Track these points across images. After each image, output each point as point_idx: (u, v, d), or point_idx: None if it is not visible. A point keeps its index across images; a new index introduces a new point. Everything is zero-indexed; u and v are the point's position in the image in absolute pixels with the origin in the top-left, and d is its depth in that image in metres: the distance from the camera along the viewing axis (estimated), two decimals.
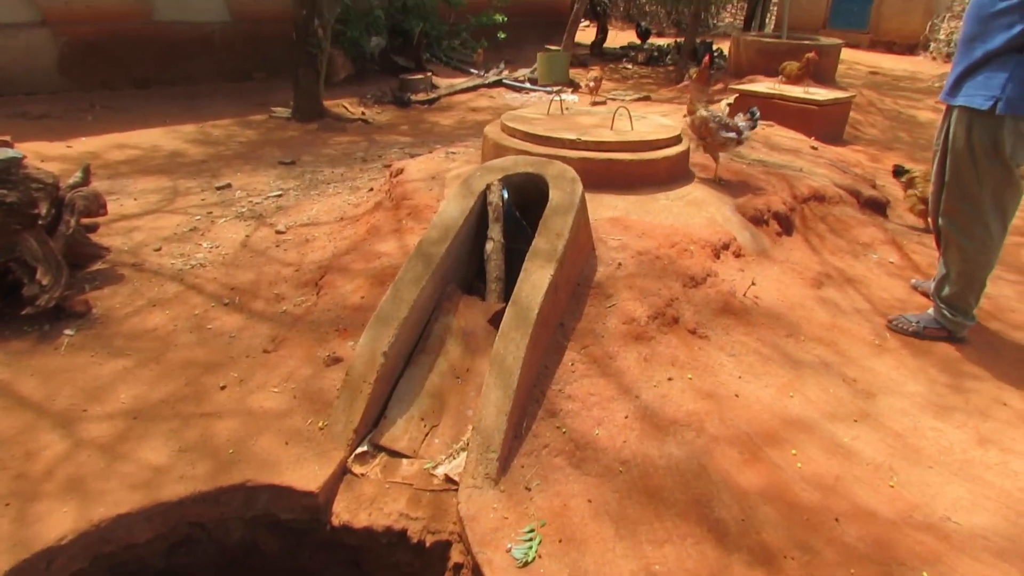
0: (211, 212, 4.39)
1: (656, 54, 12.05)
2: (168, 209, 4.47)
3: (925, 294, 3.43)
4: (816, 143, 5.86)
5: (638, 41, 13.06)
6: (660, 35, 15.73)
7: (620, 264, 3.01)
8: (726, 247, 3.39)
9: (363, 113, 7.81)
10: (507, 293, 2.74)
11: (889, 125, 7.58)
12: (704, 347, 2.76)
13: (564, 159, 3.52)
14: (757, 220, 3.76)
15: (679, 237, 3.27)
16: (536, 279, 2.55)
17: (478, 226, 3.01)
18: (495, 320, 2.65)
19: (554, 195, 2.92)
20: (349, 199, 4.42)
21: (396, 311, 2.53)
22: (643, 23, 12.78)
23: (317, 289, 3.29)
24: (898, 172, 4.46)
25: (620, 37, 15.36)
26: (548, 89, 9.15)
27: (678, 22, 13.91)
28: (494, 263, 2.86)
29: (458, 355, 2.65)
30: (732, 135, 3.79)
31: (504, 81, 9.36)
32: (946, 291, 2.97)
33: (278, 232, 4.00)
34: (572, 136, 3.64)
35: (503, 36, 10.22)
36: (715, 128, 3.77)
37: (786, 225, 3.84)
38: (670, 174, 3.76)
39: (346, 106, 8.05)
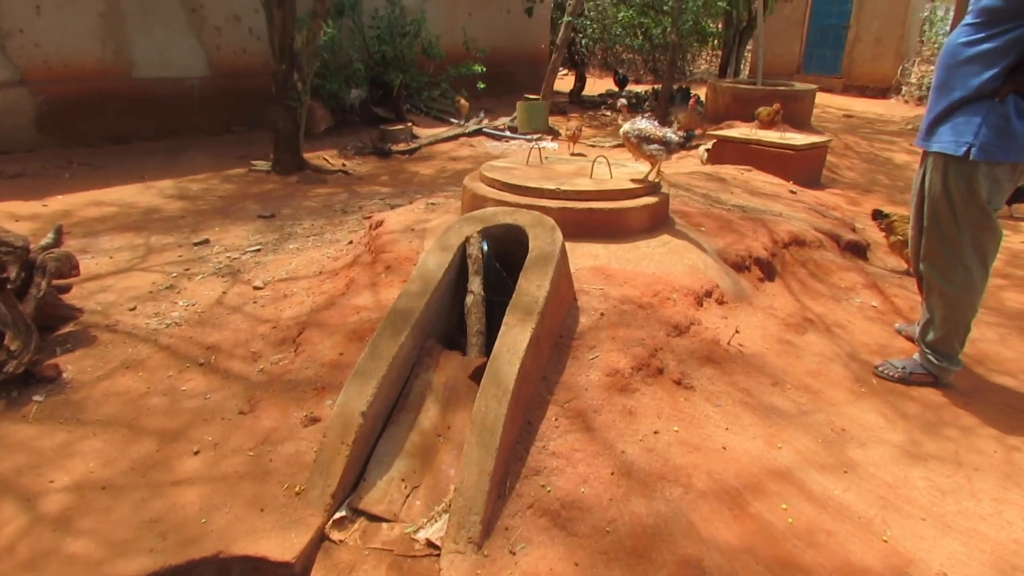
0: (188, 269, 4.36)
1: (634, 101, 12.31)
2: (143, 267, 4.43)
3: (909, 338, 3.44)
4: (795, 187, 5.96)
5: (616, 89, 13.36)
6: (638, 82, 16.11)
7: (603, 314, 3.00)
8: (709, 294, 3.40)
9: (343, 164, 7.87)
10: (489, 346, 2.72)
11: (866, 168, 7.74)
12: (690, 398, 2.74)
13: (544, 209, 3.55)
14: (739, 266, 3.78)
15: (661, 285, 3.28)
16: (516, 334, 2.53)
17: (458, 279, 3.00)
18: (476, 375, 2.63)
19: (534, 246, 2.93)
20: (328, 252, 4.41)
21: (374, 369, 2.50)
22: (621, 71, 13.08)
23: (295, 346, 3.25)
24: (877, 216, 4.54)
25: (598, 85, 15.70)
26: (528, 137, 9.29)
27: (655, 69, 14.25)
28: (474, 316, 2.84)
29: (439, 412, 2.61)
30: (656, 147, 3.72)
31: (484, 130, 9.50)
32: (931, 336, 2.98)
33: (255, 288, 3.97)
34: (551, 186, 3.67)
35: (482, 86, 10.41)
36: (636, 142, 3.79)
37: (768, 270, 3.87)
38: (650, 221, 3.79)
39: (326, 158, 8.11)
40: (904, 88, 15.46)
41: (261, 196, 6.61)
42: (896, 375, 3.03)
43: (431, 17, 11.63)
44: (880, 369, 3.08)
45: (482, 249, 3.01)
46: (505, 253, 3.14)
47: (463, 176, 7.55)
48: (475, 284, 2.91)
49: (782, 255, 4.07)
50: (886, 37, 15.78)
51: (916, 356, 3.09)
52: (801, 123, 8.99)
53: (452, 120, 9.96)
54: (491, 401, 2.34)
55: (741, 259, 3.81)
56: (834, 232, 4.74)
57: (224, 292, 3.96)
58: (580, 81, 13.24)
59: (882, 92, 15.95)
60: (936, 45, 15.83)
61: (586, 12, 11.08)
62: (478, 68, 10.47)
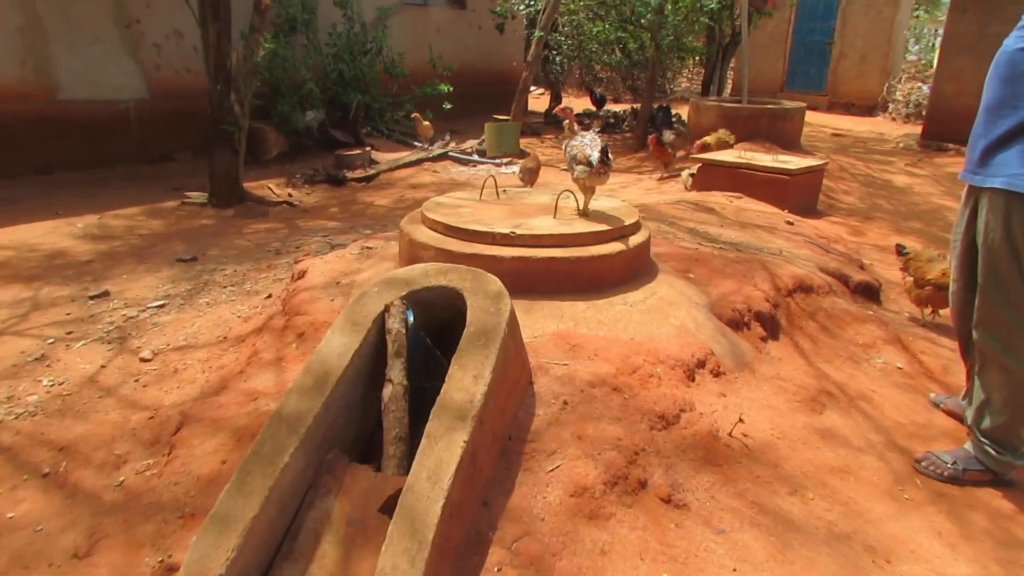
0: (71, 332, 3.63)
1: (612, 121, 11.77)
2: (17, 330, 3.70)
3: (950, 413, 2.80)
4: (791, 217, 5.35)
5: (594, 108, 12.82)
6: (616, 101, 15.61)
7: (566, 403, 2.33)
8: (702, 364, 2.74)
9: (289, 195, 7.18)
10: (414, 455, 2.04)
11: (866, 192, 7.19)
12: (683, 522, 2.06)
13: (494, 260, 2.89)
14: (736, 323, 3.13)
15: (642, 356, 2.62)
16: (442, 451, 1.85)
17: (375, 363, 2.31)
18: (390, 506, 1.93)
19: (472, 318, 2.25)
20: (241, 309, 3.71)
21: (241, 509, 1.80)
22: (598, 90, 12.55)
23: (169, 448, 2.53)
24: (901, 252, 3.91)
25: (575, 104, 15.18)
26: (497, 161, 8.67)
27: (634, 88, 13.75)
28: (393, 416, 2.15)
29: (339, 559, 1.91)
30: (581, 169, 3.08)
31: (450, 154, 8.87)
32: (988, 422, 2.33)
33: (142, 360, 3.25)
34: (504, 229, 3.01)
35: (449, 107, 9.80)
36: (567, 162, 3.18)
37: (771, 327, 3.22)
38: (628, 270, 3.14)
39: (272, 187, 7.42)
40: (891, 105, 15.11)
41: (189, 234, 5.90)
42: (946, 473, 2.38)
43: (396, 34, 11.03)
44: (923, 464, 2.42)
45: (406, 322, 2.33)
46: (440, 323, 2.46)
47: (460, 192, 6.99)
48: (395, 370, 2.21)
49: (786, 305, 3.42)
50: (871, 54, 15.46)
51: (968, 446, 2.44)
52: (791, 143, 8.46)
53: (416, 144, 9.32)
54: (400, 559, 1.65)
55: (739, 314, 3.16)
56: (841, 272, 4.12)
57: (103, 366, 3.24)
58: (555, 100, 12.69)
59: (868, 110, 15.59)
60: (923, 63, 15.53)
61: (560, 27, 10.54)
62: (444, 87, 9.86)
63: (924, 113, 13.52)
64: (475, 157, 9.01)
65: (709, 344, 2.86)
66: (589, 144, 3.12)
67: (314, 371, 2.15)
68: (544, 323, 2.78)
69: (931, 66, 17.30)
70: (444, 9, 12.24)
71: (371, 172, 8.12)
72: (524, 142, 10.52)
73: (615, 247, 3.05)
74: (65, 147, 8.04)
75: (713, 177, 6.11)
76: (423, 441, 1.90)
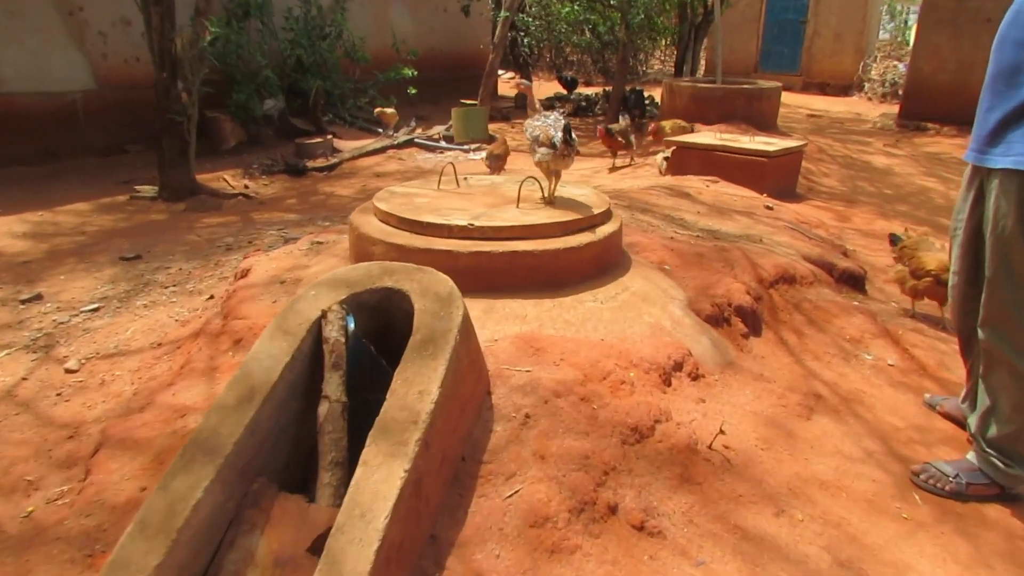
0: None
1: (584, 104, 11.51)
2: None
3: (947, 415, 2.60)
4: (770, 201, 5.15)
5: (564, 92, 12.55)
6: (588, 84, 15.35)
7: (528, 416, 2.09)
8: (679, 367, 2.51)
9: (246, 187, 6.85)
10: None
11: (846, 174, 7.02)
12: (658, 553, 1.83)
13: (451, 256, 2.64)
14: (716, 319, 2.92)
15: (614, 360, 2.39)
16: (380, 481, 1.61)
17: (311, 377, 2.05)
18: (319, 546, 1.68)
19: (419, 324, 2.00)
20: (180, 311, 3.43)
21: (144, 556, 1.54)
22: (568, 73, 12.26)
23: (86, 471, 2.26)
24: (895, 241, 3.71)
25: (547, 87, 14.89)
26: (465, 148, 8.39)
27: (605, 70, 13.50)
28: (329, 438, 1.89)
29: None
30: (543, 152, 2.85)
31: (416, 141, 8.57)
32: (994, 431, 2.13)
33: (67, 371, 2.96)
34: (462, 221, 2.76)
35: (413, 91, 9.47)
36: (529, 145, 2.95)
37: (753, 322, 3.01)
38: (598, 264, 2.90)
39: (227, 179, 7.08)
40: (867, 85, 15.03)
41: (137, 230, 5.56)
42: (948, 487, 2.17)
43: (356, 17, 10.66)
44: (922, 478, 2.22)
45: (346, 329, 2.07)
46: (386, 329, 2.21)
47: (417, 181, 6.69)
48: (332, 385, 1.96)
49: (769, 298, 3.21)
50: (845, 32, 15.35)
51: (971, 456, 2.24)
52: (767, 124, 8.28)
53: (380, 131, 9.00)
54: None
55: (719, 308, 2.94)
56: (825, 259, 3.93)
57: (24, 378, 2.94)
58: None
59: (843, 89, 15.50)
60: (899, 40, 15.44)
61: (528, 8, 10.25)
62: (408, 72, 9.54)
63: (901, 92, 13.46)
64: (442, 144, 8.72)
65: (687, 344, 2.64)
66: (552, 124, 2.88)
67: (237, 388, 1.89)
68: (505, 324, 2.54)
69: (907, 44, 17.28)
70: None
71: (333, 161, 7.80)
72: (493, 127, 10.24)
73: (583, 238, 2.82)
74: (10, 142, 7.61)
75: (688, 160, 5.90)
76: (358, 470, 1.65)
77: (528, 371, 2.29)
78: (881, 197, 6.33)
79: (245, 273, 3.29)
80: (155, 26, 6.08)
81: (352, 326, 2.10)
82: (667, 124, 6.77)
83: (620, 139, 7.04)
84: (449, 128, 8.82)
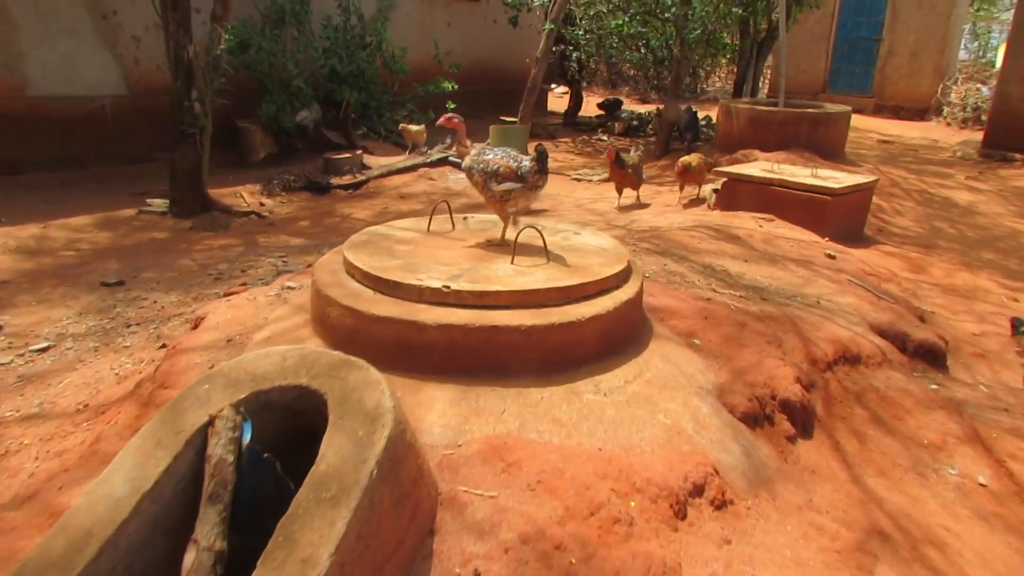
0: None
1: (636, 123, 10.89)
2: None
3: None
4: (832, 247, 4.48)
5: (603, 113, 11.91)
6: (645, 101, 14.71)
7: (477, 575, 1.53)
8: (699, 491, 1.93)
9: (261, 204, 6.48)
10: None
11: (923, 213, 6.24)
12: None
13: (415, 327, 2.12)
14: (755, 416, 2.31)
15: (609, 483, 1.82)
16: None
17: (194, 501, 1.54)
18: None
19: (326, 449, 1.48)
20: (125, 363, 2.98)
21: None
22: (611, 97, 11.61)
23: None
24: (1017, 328, 3.03)
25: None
26: None
27: (660, 87, 12.85)
28: None
29: None
30: (508, 185, 2.48)
31: (450, 159, 8.10)
32: None
33: None
34: (436, 282, 2.22)
35: (452, 106, 9.01)
36: (481, 181, 2.53)
37: (802, 419, 2.39)
38: (606, 341, 2.32)
39: (244, 195, 6.73)
40: (945, 109, 13.97)
41: (132, 250, 5.22)
42: None
43: (402, 27, 10.32)
44: None
45: (238, 443, 1.56)
46: (308, 433, 1.69)
47: (409, 219, 6.22)
48: (205, 525, 1.44)
49: (824, 385, 2.58)
50: (924, 51, 14.33)
51: None
52: (834, 153, 7.53)
53: (413, 147, 8.57)
54: None
55: (759, 402, 2.33)
56: (896, 328, 3.26)
57: None
58: (575, 100, 11.84)
59: (919, 113, 14.46)
60: (984, 61, 14.35)
61: (579, 21, 9.72)
62: (448, 85, 9.10)
63: (984, 118, 12.42)
64: None
65: (712, 454, 2.04)
66: (510, 155, 2.45)
67: (70, 531, 1.39)
68: (475, 423, 1.98)
69: (992, 65, 16.11)
70: (456, 2, 11.48)
71: (360, 178, 7.40)
72: (533, 145, 9.72)
73: (588, 309, 2.25)
74: (35, 146, 7.45)
75: (740, 195, 5.25)
76: None
77: (492, 497, 1.74)
78: (964, 241, 5.55)
79: (198, 323, 2.82)
80: (172, 31, 5.77)
81: (248, 437, 1.58)
82: (692, 159, 6.08)
83: (630, 171, 6.17)
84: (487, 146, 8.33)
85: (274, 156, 8.43)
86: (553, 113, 12.95)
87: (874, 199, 6.16)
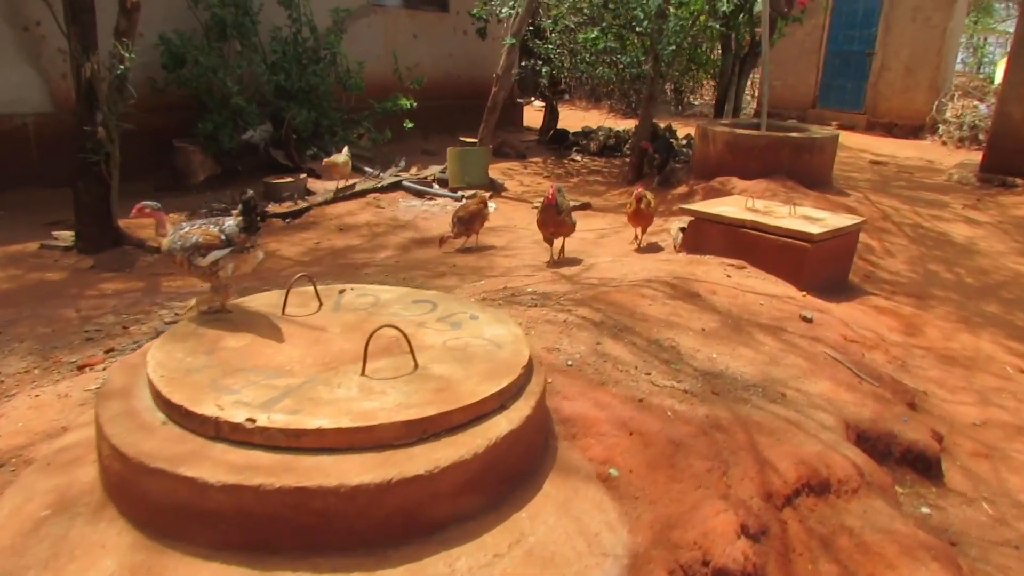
0: None
1: (612, 142, 10.31)
2: None
3: None
4: (810, 305, 3.89)
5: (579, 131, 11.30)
6: (627, 117, 14.14)
7: None
8: None
9: None
10: None
11: (916, 253, 5.65)
12: None
13: (194, 487, 1.51)
14: None
15: None
16: None
17: None
18: None
19: None
20: None
21: None
22: (560, 128, 10.86)
23: None
24: None
25: (582, 119, 13.74)
26: (458, 195, 7.28)
27: (640, 103, 12.27)
28: None
29: None
30: (215, 255, 2.13)
31: (404, 183, 7.50)
32: None
33: None
34: (241, 413, 1.62)
35: (410, 125, 8.45)
36: (185, 260, 2.13)
37: None
38: (472, 496, 1.71)
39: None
40: (941, 127, 13.47)
41: (13, 296, 4.60)
42: None
43: (363, 39, 9.75)
44: None
45: None
46: None
47: (339, 258, 5.65)
48: None
49: (782, 528, 1.98)
50: (918, 67, 13.85)
51: None
52: (820, 181, 6.97)
53: (368, 169, 7.97)
54: None
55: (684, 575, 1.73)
56: (880, 426, 2.67)
57: None
58: (551, 117, 11.25)
59: (914, 131, 13.97)
60: (982, 76, 13.87)
61: (549, 35, 9.16)
62: (405, 103, 8.51)
63: (982, 138, 11.91)
64: (435, 188, 7.63)
65: None
66: (210, 221, 2.17)
67: None
68: None
69: (990, 81, 15.64)
70: (423, 12, 10.93)
71: (300, 206, 6.79)
72: (504, 167, 9.16)
73: (448, 453, 1.65)
74: None
75: (708, 237, 4.66)
76: None
77: None
78: (962, 289, 4.96)
79: None
80: (74, 47, 5.17)
81: None
82: (651, 195, 5.39)
83: (566, 219, 5.06)
84: (444, 170, 7.73)
85: (216, 178, 7.83)
86: (530, 129, 12.38)
87: (863, 237, 5.59)
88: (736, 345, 3.13)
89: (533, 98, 14.15)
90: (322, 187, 7.39)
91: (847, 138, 13.62)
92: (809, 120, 15.32)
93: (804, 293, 4.12)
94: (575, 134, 11.50)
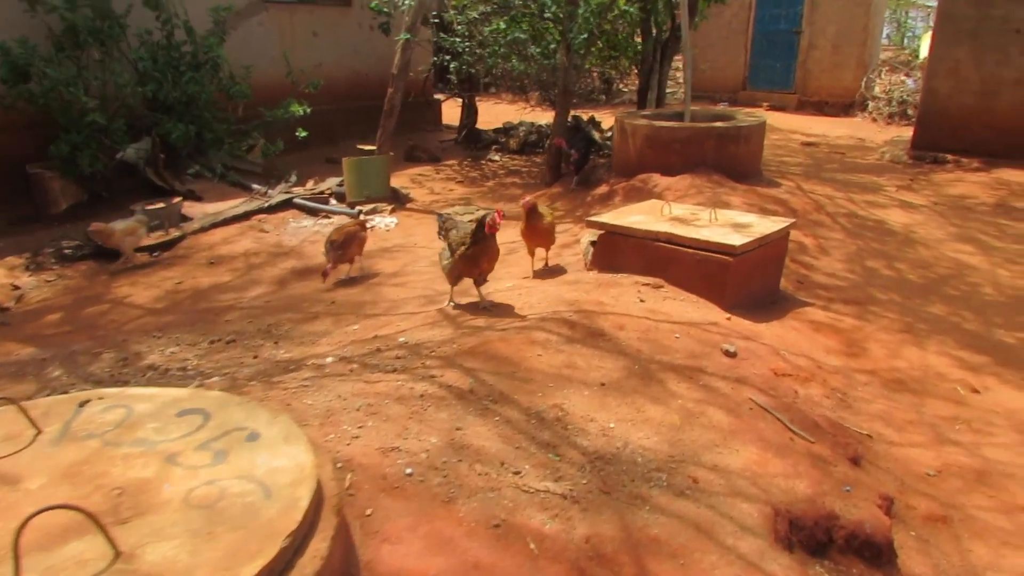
0: None
1: (534, 137, 9.72)
2: None
3: None
4: (734, 328, 3.36)
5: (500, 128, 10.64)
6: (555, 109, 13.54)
7: None
8: None
9: (13, 287, 5.02)
10: None
11: (854, 249, 5.18)
12: None
13: None
14: None
15: None
16: None
17: None
18: None
19: None
20: None
21: None
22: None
23: None
24: None
25: (510, 113, 13.10)
26: (353, 211, 6.58)
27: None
28: None
29: None
30: None
31: (296, 201, 6.76)
32: None
33: None
34: None
35: (304, 134, 7.69)
36: None
37: None
38: None
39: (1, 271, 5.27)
40: (871, 103, 13.28)
41: None
42: None
43: (254, 41, 8.94)
44: None
45: None
46: None
47: (201, 301, 4.60)
48: None
49: None
50: (845, 43, 13.63)
51: None
52: (748, 172, 6.50)
53: (255, 186, 7.20)
54: None
55: None
56: (818, 507, 2.13)
57: None
58: (469, 114, 10.58)
59: (844, 109, 13.77)
60: (908, 51, 13.73)
61: (455, 27, 8.50)
62: (298, 109, 7.74)
63: (911, 112, 11.72)
64: (332, 204, 6.92)
65: None
66: None
67: None
68: None
69: (915, 55, 15.56)
70: (323, 8, 10.14)
71: (171, 236, 6.01)
72: (415, 173, 8.48)
73: None
74: None
75: (621, 253, 4.10)
76: None
77: None
78: (904, 288, 4.51)
79: None
80: None
81: None
82: (543, 207, 4.54)
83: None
84: (342, 184, 7.02)
85: (83, 206, 6.96)
86: (450, 128, 11.69)
87: (796, 235, 5.11)
88: (642, 403, 2.56)
89: (442, 96, 13.37)
90: (201, 211, 6.60)
91: (779, 119, 13.34)
92: (740, 102, 15.04)
93: (728, 316, 3.58)
94: (496, 131, 10.87)
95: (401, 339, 3.16)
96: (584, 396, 2.56)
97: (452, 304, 3.65)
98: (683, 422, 2.47)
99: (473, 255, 3.47)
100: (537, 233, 4.30)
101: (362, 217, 6.49)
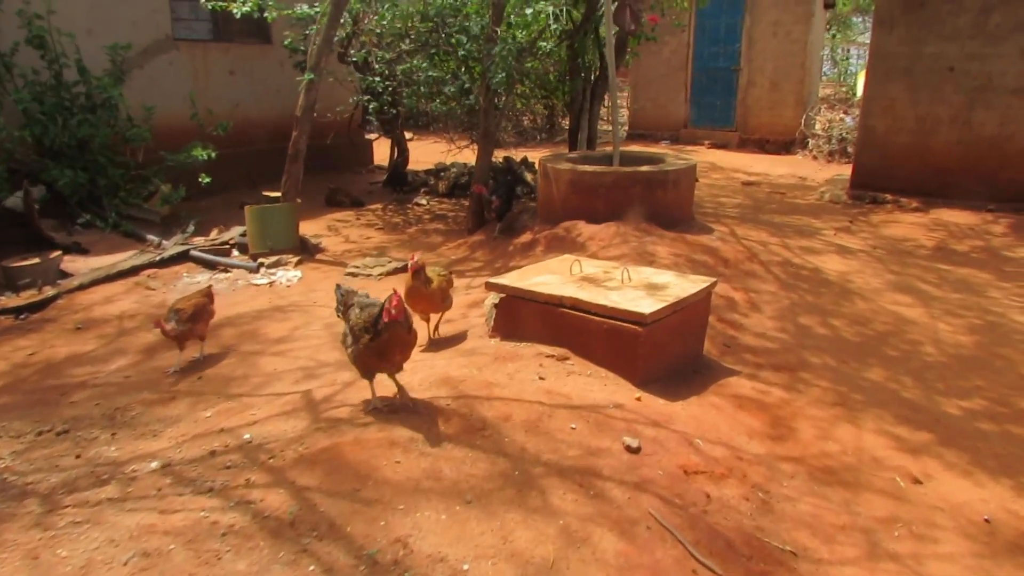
0: None
1: (465, 179, 9.32)
2: None
3: None
4: (643, 410, 2.92)
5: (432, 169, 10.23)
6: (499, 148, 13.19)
7: None
8: None
9: None
10: None
11: (786, 304, 4.82)
12: None
13: None
14: None
15: None
16: None
17: None
18: None
19: None
20: None
21: None
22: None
23: None
24: None
25: (446, 153, 12.68)
26: (251, 265, 6.04)
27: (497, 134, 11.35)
28: None
29: None
30: None
31: (192, 253, 6.20)
32: None
33: None
34: None
35: (206, 180, 7.14)
36: None
37: None
38: None
39: None
40: (811, 141, 13.26)
41: None
42: None
43: (163, 80, 8.42)
44: None
45: None
46: None
47: (49, 377, 3.76)
48: None
49: None
50: (783, 80, 13.65)
51: None
52: (678, 218, 6.17)
53: (151, 237, 6.62)
54: None
55: None
56: None
57: None
58: (399, 154, 10.12)
59: (785, 146, 13.73)
60: (845, 89, 13.78)
61: (375, 65, 8.08)
62: (201, 153, 7.20)
63: (851, 150, 11.68)
64: (234, 256, 6.37)
65: None
66: None
67: None
68: None
69: (853, 93, 15.71)
70: (240, 46, 9.65)
71: (45, 295, 5.38)
72: (335, 218, 7.98)
73: None
74: None
75: (523, 319, 3.66)
76: None
77: None
78: (840, 349, 4.15)
79: None
80: None
81: None
82: (433, 273, 3.88)
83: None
84: (244, 234, 6.48)
85: None
86: (383, 168, 11.23)
87: (725, 287, 4.76)
88: (513, 525, 2.09)
89: (372, 135, 12.84)
90: (85, 265, 5.99)
91: (721, 157, 13.23)
92: (682, 140, 14.94)
93: (639, 395, 3.15)
94: (428, 172, 10.46)
95: (246, 436, 2.65)
96: (441, 521, 2.08)
97: (372, 405, 2.91)
98: (559, 555, 2.00)
99: (378, 348, 2.82)
100: (423, 299, 3.76)
101: (262, 271, 5.95)
